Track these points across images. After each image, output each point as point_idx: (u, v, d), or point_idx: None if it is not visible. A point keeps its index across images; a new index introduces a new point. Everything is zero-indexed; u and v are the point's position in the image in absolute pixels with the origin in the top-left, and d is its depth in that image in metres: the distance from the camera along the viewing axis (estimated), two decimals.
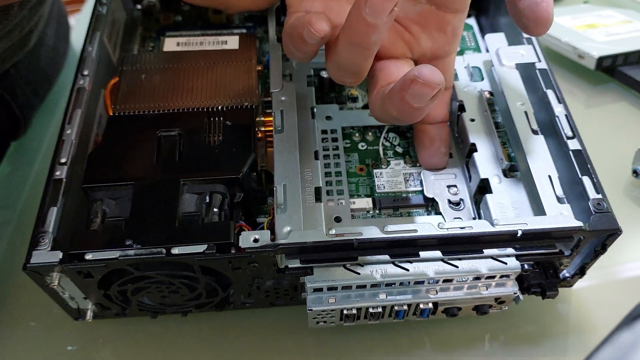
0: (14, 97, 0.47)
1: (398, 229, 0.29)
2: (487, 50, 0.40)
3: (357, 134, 0.40)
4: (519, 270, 0.31)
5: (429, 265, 0.31)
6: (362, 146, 0.39)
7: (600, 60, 0.50)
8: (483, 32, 0.45)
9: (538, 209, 0.32)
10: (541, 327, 0.35)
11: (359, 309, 0.31)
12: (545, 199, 0.31)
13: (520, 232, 0.29)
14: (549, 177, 0.32)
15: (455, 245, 0.30)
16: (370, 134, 0.40)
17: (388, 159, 0.39)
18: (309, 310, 0.31)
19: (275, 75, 0.36)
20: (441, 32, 0.33)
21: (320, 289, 0.31)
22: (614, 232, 0.30)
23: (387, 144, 0.40)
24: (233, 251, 0.29)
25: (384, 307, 0.32)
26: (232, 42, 0.38)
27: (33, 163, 0.46)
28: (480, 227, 0.29)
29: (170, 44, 0.38)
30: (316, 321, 0.32)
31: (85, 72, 0.36)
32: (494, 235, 0.29)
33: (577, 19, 0.56)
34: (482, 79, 0.40)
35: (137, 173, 0.31)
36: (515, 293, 0.32)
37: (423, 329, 0.35)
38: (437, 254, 0.30)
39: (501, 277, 0.31)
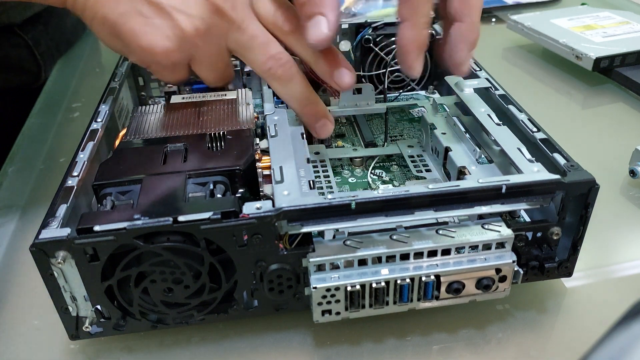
0: (37, 45, 0.60)
1: (392, 191, 0.31)
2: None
3: (346, 171, 0.43)
4: (512, 236, 0.32)
5: (427, 235, 0.32)
6: (352, 180, 0.43)
7: (598, 61, 0.50)
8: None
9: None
10: (537, 325, 0.35)
11: (362, 285, 0.31)
12: (519, 162, 0.34)
13: (504, 188, 0.32)
14: (518, 148, 0.35)
15: (446, 203, 0.32)
16: (358, 170, 0.43)
17: (378, 186, 0.41)
18: (314, 288, 0.31)
19: (268, 102, 0.40)
20: None
21: (323, 266, 0.31)
22: (592, 185, 0.32)
23: (375, 176, 0.43)
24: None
25: (387, 283, 0.32)
26: (230, 94, 0.43)
27: (36, 163, 0.47)
28: (467, 184, 0.32)
29: (177, 99, 0.43)
30: (321, 310, 0.32)
31: (99, 120, 0.40)
32: (480, 191, 0.31)
33: (574, 21, 0.57)
34: (446, 110, 0.45)
35: (145, 171, 0.34)
36: (513, 262, 0.32)
37: (425, 338, 0.35)
38: (430, 212, 0.32)
39: (497, 246, 0.32)
